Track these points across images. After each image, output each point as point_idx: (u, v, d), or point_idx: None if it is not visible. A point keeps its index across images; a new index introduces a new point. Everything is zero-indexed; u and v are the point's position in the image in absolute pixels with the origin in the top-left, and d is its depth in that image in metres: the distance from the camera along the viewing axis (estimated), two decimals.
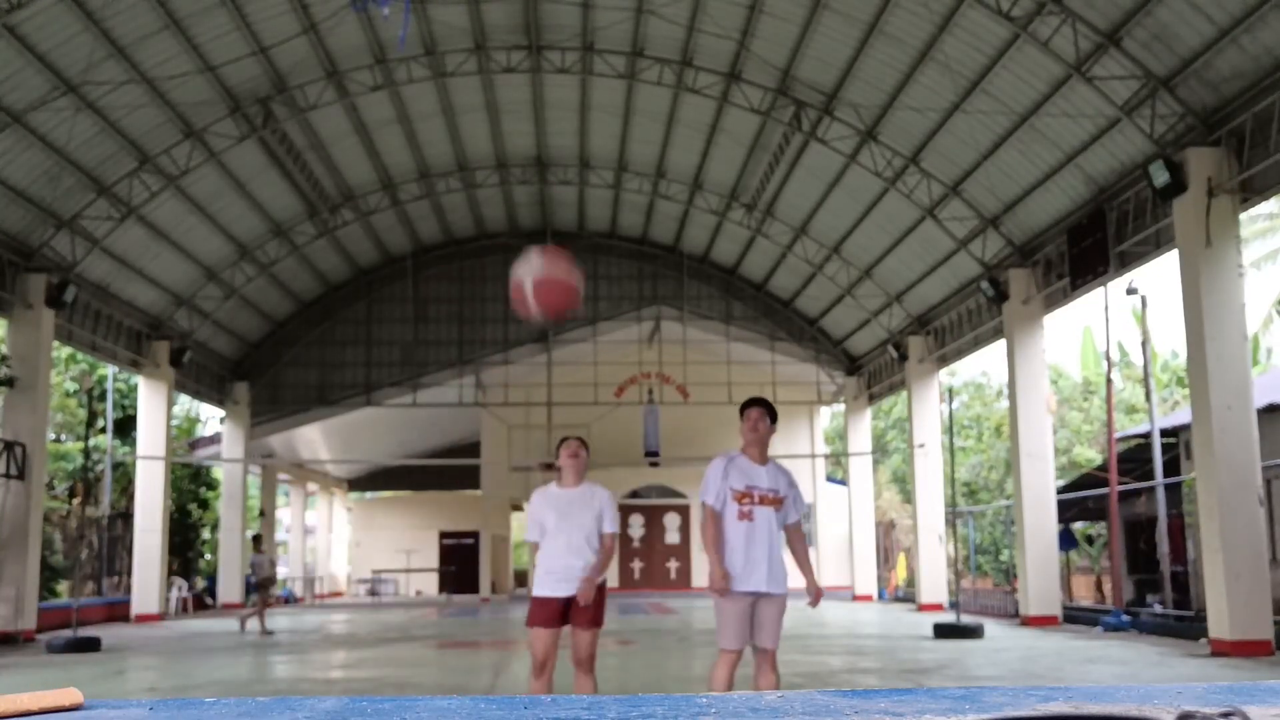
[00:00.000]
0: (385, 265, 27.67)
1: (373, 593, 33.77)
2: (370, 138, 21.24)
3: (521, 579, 36.30)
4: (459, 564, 35.74)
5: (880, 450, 34.03)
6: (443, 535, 38.25)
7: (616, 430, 28.04)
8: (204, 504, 29.61)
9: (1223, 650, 12.15)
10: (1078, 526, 23.12)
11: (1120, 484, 18.07)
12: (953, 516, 21.43)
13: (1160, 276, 56.63)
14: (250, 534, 22.36)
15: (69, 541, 23.89)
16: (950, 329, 21.92)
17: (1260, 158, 12.32)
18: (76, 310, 18.85)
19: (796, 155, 20.30)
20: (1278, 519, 14.19)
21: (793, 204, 22.63)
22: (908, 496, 29.49)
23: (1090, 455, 27.44)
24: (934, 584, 22.67)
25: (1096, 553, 24.88)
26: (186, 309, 23.04)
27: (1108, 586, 21.82)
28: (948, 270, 20.90)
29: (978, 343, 21.01)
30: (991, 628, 16.62)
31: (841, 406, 28.89)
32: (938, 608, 21.80)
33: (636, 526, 31.56)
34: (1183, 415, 17.71)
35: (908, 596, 25.55)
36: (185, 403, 31.37)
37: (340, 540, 41.72)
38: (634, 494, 31.45)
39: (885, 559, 28.94)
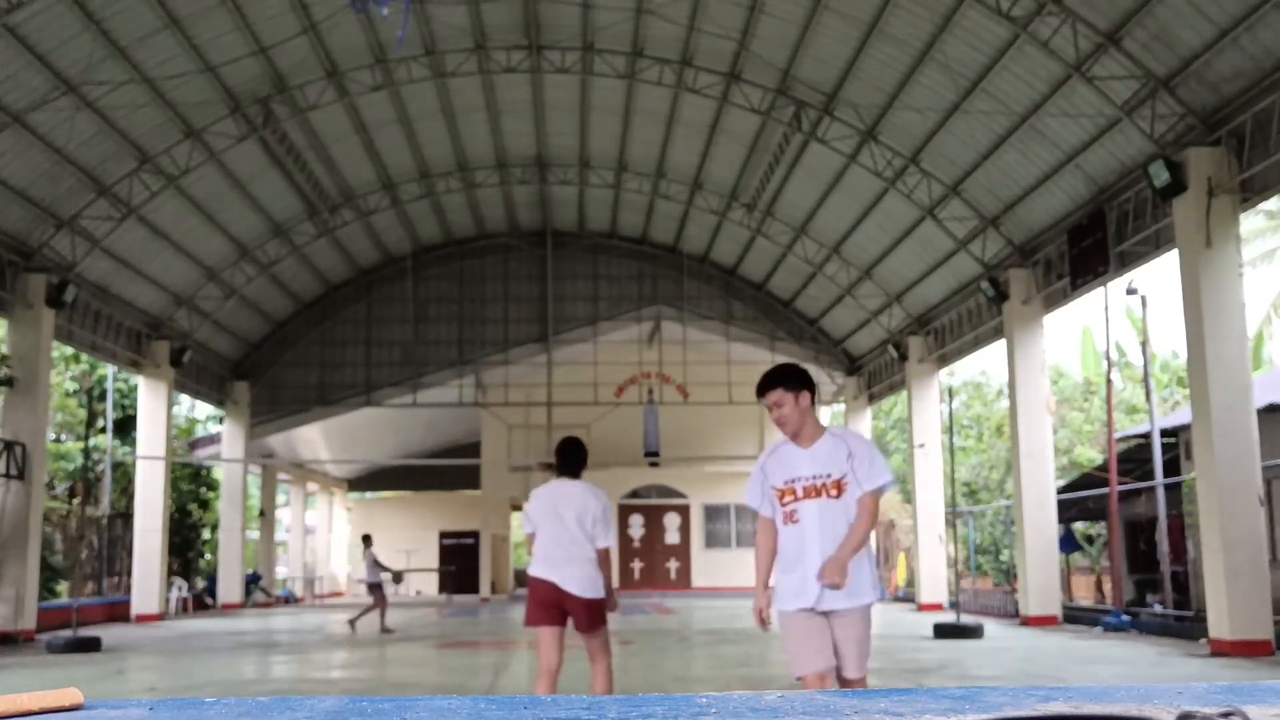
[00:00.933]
0: (385, 265, 27.67)
1: None
2: (370, 138, 21.24)
3: (521, 579, 36.26)
4: (459, 564, 35.74)
5: (880, 450, 34.03)
6: (443, 535, 38.26)
7: (616, 430, 28.04)
8: (204, 504, 29.62)
9: (1223, 650, 12.14)
10: (1078, 526, 23.11)
11: (1120, 484, 18.07)
12: (953, 516, 21.43)
13: (1160, 276, 56.62)
14: (361, 534, 22.23)
15: (69, 541, 23.90)
16: (950, 329, 21.92)
17: (1260, 158, 12.32)
18: (76, 310, 18.85)
19: (796, 155, 20.30)
20: (1278, 519, 14.19)
21: (793, 204, 22.63)
22: (908, 496, 29.50)
23: (1090, 455, 27.45)
24: (934, 584, 22.66)
25: (1096, 553, 24.88)
26: (186, 309, 23.04)
27: (1108, 586, 21.82)
28: (948, 270, 20.90)
29: (978, 343, 21.01)
30: (991, 628, 16.61)
31: (841, 406, 28.90)
32: (938, 608, 21.80)
33: (636, 526, 31.57)
34: (1183, 415, 17.71)
35: (908, 596, 25.54)
36: (183, 407, 31.39)
37: (340, 540, 41.73)
38: (634, 494, 31.45)
39: (885, 559, 28.92)
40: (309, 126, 19.92)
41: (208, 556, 29.93)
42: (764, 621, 4.82)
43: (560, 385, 27.59)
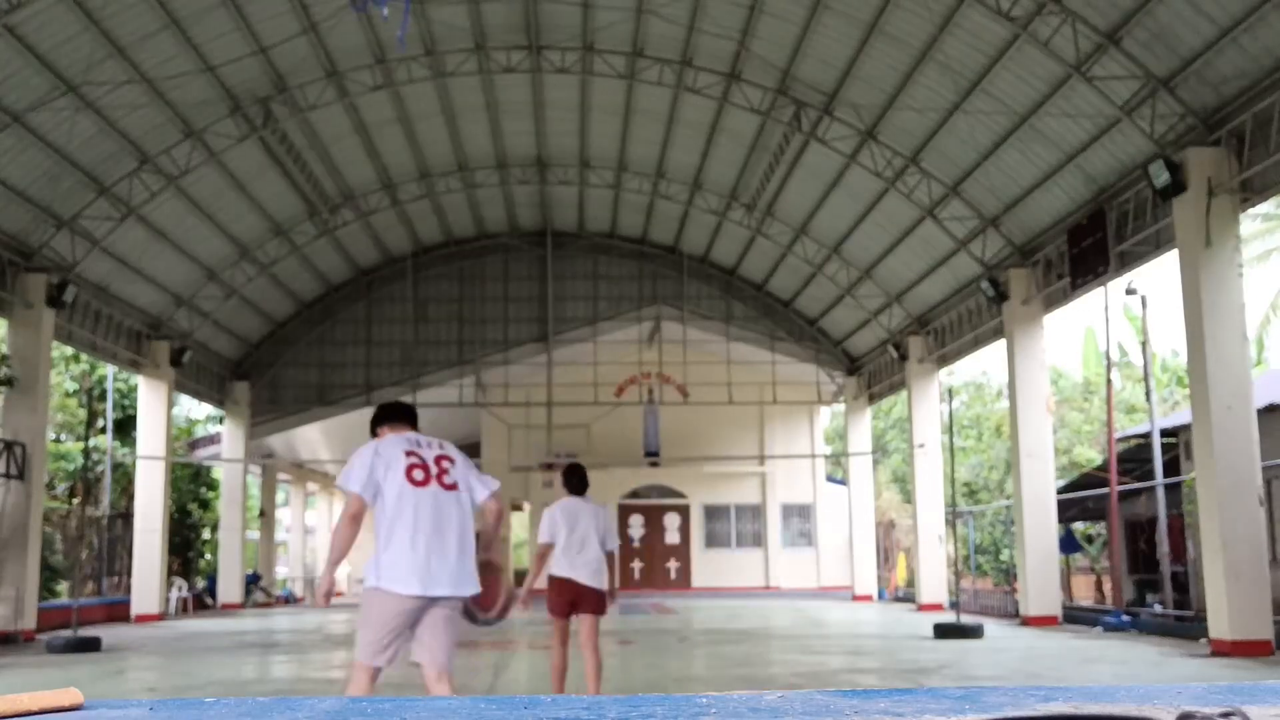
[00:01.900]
0: (385, 265, 27.67)
1: None
2: (370, 138, 21.24)
3: (521, 579, 36.29)
4: None
5: (880, 450, 34.04)
6: None
7: (616, 430, 28.04)
8: (204, 504, 29.61)
9: (1223, 650, 12.15)
10: (1078, 527, 23.11)
11: (1120, 484, 18.08)
12: (953, 516, 21.42)
13: (1160, 277, 56.60)
14: None
15: (69, 541, 23.89)
16: (950, 329, 21.92)
17: (1260, 158, 12.32)
18: (76, 310, 18.85)
19: (796, 155, 20.30)
20: (1278, 519, 14.19)
21: (793, 204, 22.63)
22: (908, 496, 29.49)
23: (1090, 455, 27.45)
24: (934, 584, 22.66)
25: (1096, 553, 24.88)
26: (186, 309, 23.04)
27: (1108, 586, 21.83)
28: (948, 270, 20.90)
29: (978, 343, 21.01)
30: (991, 628, 16.61)
31: (841, 406, 28.89)
32: (938, 608, 21.80)
33: (636, 526, 31.56)
34: (1183, 415, 17.71)
35: (908, 596, 25.55)
36: (183, 407, 31.39)
37: None
38: (634, 494, 31.44)
39: (885, 559, 28.93)
40: (309, 126, 19.92)
41: (208, 556, 29.92)
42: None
43: (560, 385, 27.59)
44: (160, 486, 22.27)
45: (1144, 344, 18.95)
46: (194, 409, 33.87)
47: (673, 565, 31.40)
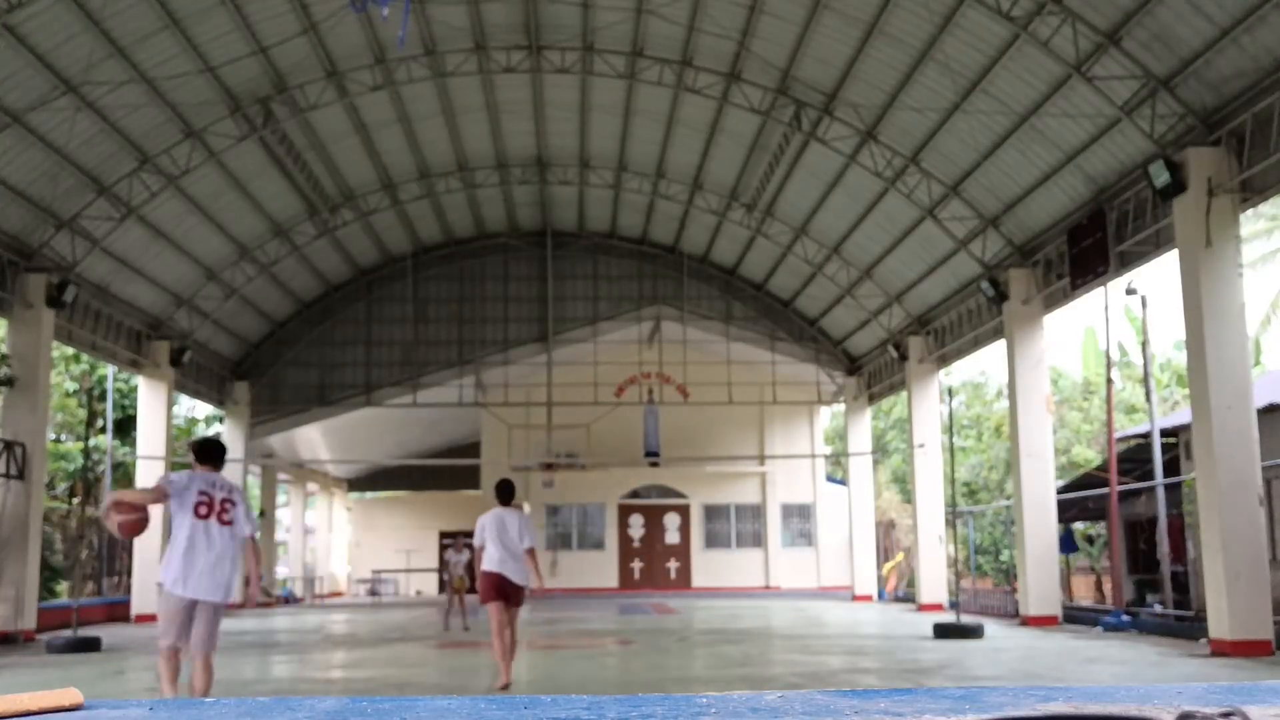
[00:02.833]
0: (385, 265, 27.68)
1: (373, 593, 33.77)
2: (370, 138, 21.25)
3: None
4: None
5: (880, 450, 34.04)
6: (443, 535, 38.23)
7: (616, 430, 28.05)
8: None
9: (1223, 650, 12.15)
10: (1078, 527, 23.11)
11: (1120, 484, 18.08)
12: (953, 516, 21.42)
13: (1161, 277, 56.60)
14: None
15: (69, 541, 23.90)
16: (950, 329, 21.92)
17: (1260, 158, 12.32)
18: (76, 310, 18.85)
19: (796, 155, 20.30)
20: (1278, 519, 14.20)
21: (793, 204, 22.63)
22: (908, 496, 29.49)
23: (1090, 455, 27.44)
24: (934, 584, 22.66)
25: (1096, 553, 24.88)
26: (186, 309, 23.04)
27: (1108, 586, 21.83)
28: (948, 270, 20.90)
29: (978, 343, 21.01)
30: (991, 628, 16.62)
31: (841, 406, 28.89)
32: (938, 608, 21.80)
33: (636, 526, 31.56)
34: (1183, 415, 17.71)
35: (908, 597, 25.55)
36: (183, 407, 31.38)
37: (340, 540, 41.73)
38: (634, 494, 31.45)
39: (885, 559, 28.94)
40: (309, 126, 19.93)
41: None
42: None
43: (560, 385, 27.59)
44: None
45: (1144, 344, 18.94)
46: (194, 409, 33.85)
47: (673, 565, 31.41)
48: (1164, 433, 17.50)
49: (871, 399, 27.52)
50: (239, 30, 16.20)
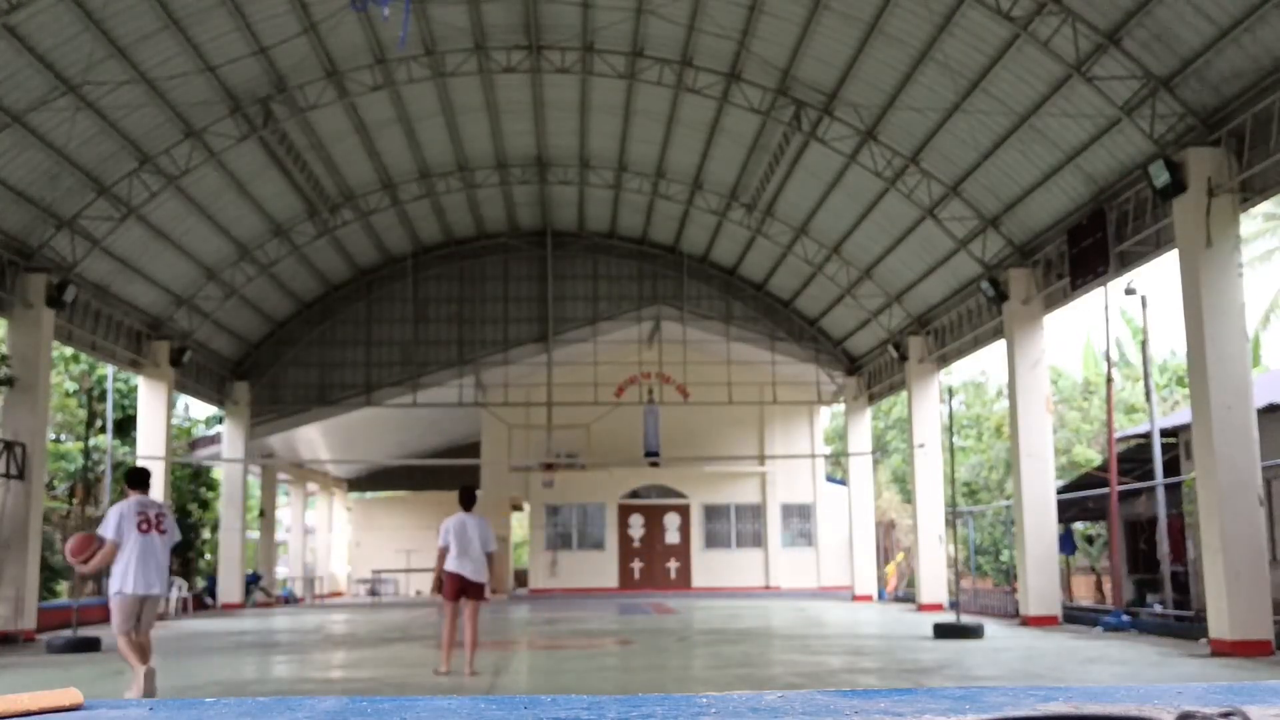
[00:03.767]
0: (385, 265, 27.68)
1: (373, 593, 33.77)
2: (370, 138, 21.25)
3: (522, 579, 36.29)
4: None
5: (880, 450, 34.04)
6: None
7: (616, 430, 28.05)
8: (204, 504, 29.61)
9: (1223, 650, 12.15)
10: (1078, 527, 23.12)
11: (1120, 484, 18.07)
12: (953, 516, 21.42)
13: (1161, 277, 56.61)
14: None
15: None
16: (950, 329, 21.92)
17: (1260, 158, 12.32)
18: (76, 310, 18.85)
19: (796, 155, 20.30)
20: (1278, 519, 14.20)
21: (793, 204, 22.63)
22: (908, 496, 29.49)
23: (1090, 455, 27.44)
24: (934, 584, 22.66)
25: (1096, 553, 24.88)
26: (186, 309, 23.04)
27: (1108, 586, 21.83)
28: (948, 270, 20.90)
29: (978, 343, 21.01)
30: (991, 628, 16.62)
31: (841, 406, 28.89)
32: (938, 608, 21.80)
33: (636, 526, 31.56)
34: (1183, 415, 17.71)
35: (908, 597, 25.55)
36: (183, 407, 31.39)
37: (340, 540, 41.73)
38: (634, 494, 31.45)
39: (885, 559, 28.95)
40: (309, 126, 19.93)
41: (208, 556, 29.92)
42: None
43: (560, 385, 27.59)
44: (160, 486, 22.24)
45: (1143, 344, 18.94)
46: (194, 409, 33.87)
47: (673, 565, 31.41)
48: (1164, 433, 17.50)
49: (871, 399, 27.52)
50: (239, 30, 16.20)
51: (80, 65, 15.10)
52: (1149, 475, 17.57)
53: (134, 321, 21.52)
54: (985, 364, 47.53)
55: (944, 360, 22.85)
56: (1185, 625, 14.99)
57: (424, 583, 37.04)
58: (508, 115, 21.53)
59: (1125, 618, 16.38)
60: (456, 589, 10.49)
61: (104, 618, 21.10)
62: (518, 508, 35.88)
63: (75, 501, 24.55)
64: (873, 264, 22.98)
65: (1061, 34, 13.60)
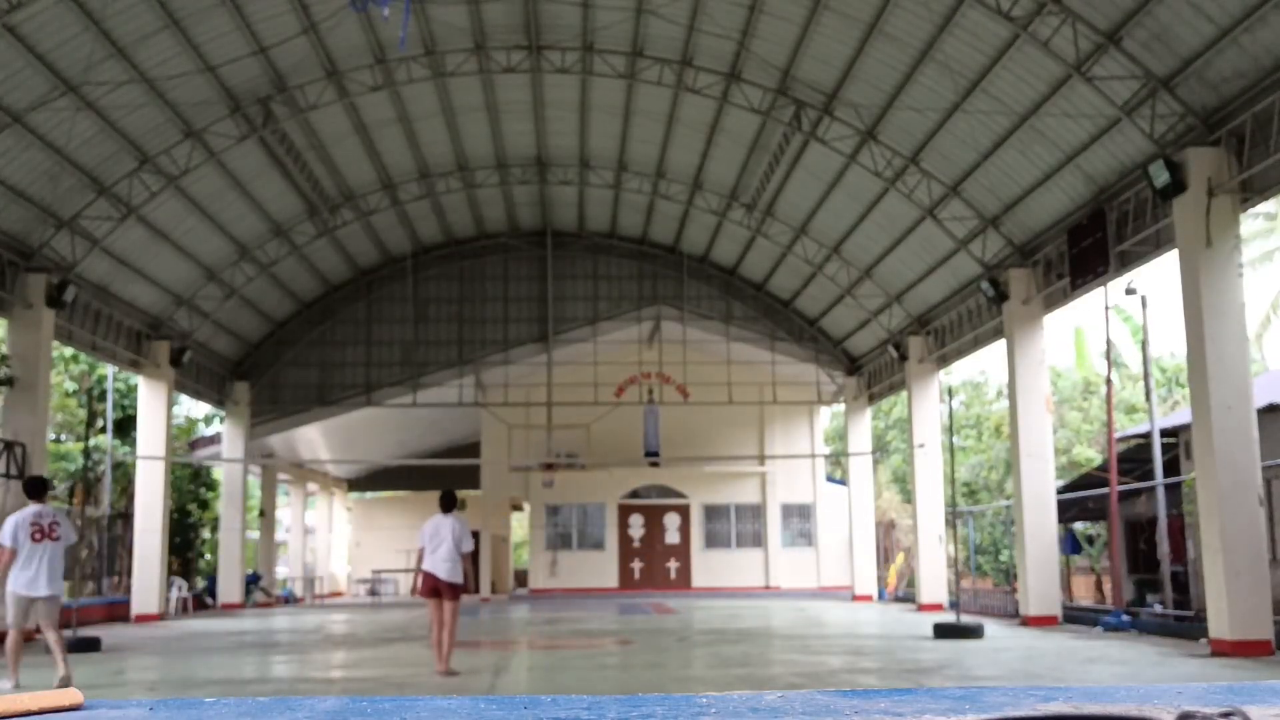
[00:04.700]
0: (385, 265, 27.68)
1: (373, 593, 33.77)
2: (370, 138, 21.25)
3: (522, 579, 36.29)
4: None
5: (880, 450, 34.04)
6: None
7: (616, 430, 28.05)
8: (204, 504, 29.60)
9: (1223, 650, 12.15)
10: (1078, 527, 23.10)
11: (1120, 484, 18.07)
12: (953, 516, 21.42)
13: (1161, 277, 56.61)
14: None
15: None
16: (950, 329, 21.92)
17: (1260, 158, 12.32)
18: (76, 310, 18.85)
19: (796, 155, 20.31)
20: (1278, 519, 14.20)
21: (793, 204, 22.64)
22: (908, 496, 29.49)
23: (1090, 455, 27.44)
24: (934, 584, 22.66)
25: (1096, 553, 24.88)
26: (186, 309, 23.04)
27: (1108, 586, 21.82)
28: (948, 270, 20.90)
29: (978, 343, 21.01)
30: (991, 628, 16.62)
31: (841, 406, 28.89)
32: (938, 608, 21.80)
33: (636, 526, 31.56)
34: (1183, 415, 17.71)
35: (908, 597, 25.55)
36: (183, 407, 31.38)
37: (340, 540, 41.72)
38: (634, 494, 31.44)
39: (885, 559, 28.94)
40: (309, 126, 19.93)
41: (208, 556, 29.92)
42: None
43: (560, 385, 27.59)
44: (160, 486, 22.27)
45: (1143, 344, 18.94)
46: (194, 409, 33.85)
47: (673, 565, 31.40)
48: (1164, 433, 17.49)
49: (871, 399, 27.52)
50: (239, 30, 16.20)
51: (80, 65, 15.10)
52: (1149, 475, 17.57)
53: (134, 321, 21.52)
54: (985, 364, 47.55)
55: (944, 360, 22.85)
56: (1185, 625, 14.99)
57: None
58: (508, 115, 21.53)
59: (1125, 618, 16.38)
60: (430, 587, 10.93)
61: (105, 618, 21.21)
62: (518, 508, 35.88)
63: (75, 501, 24.54)
64: (873, 264, 22.98)
65: (1061, 34, 13.60)
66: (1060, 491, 19.41)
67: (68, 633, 15.66)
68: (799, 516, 31.67)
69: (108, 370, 24.69)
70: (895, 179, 18.83)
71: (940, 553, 22.77)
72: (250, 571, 29.48)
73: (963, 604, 19.52)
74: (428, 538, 11.00)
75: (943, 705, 1.07)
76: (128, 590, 22.80)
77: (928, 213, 19.14)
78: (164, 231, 20.28)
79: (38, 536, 9.83)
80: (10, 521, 9.86)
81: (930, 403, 23.23)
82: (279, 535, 37.04)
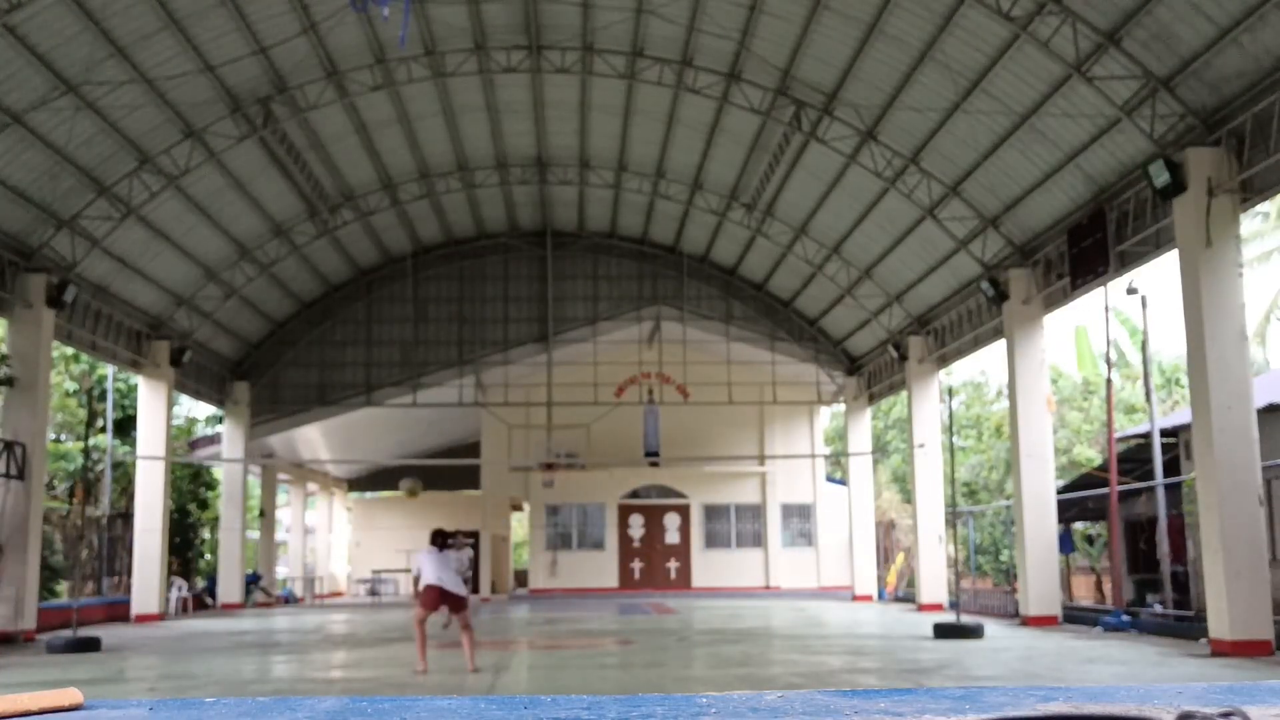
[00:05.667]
0: (385, 265, 27.68)
1: (373, 593, 33.77)
2: (370, 138, 21.24)
3: (522, 579, 36.28)
4: None
5: (880, 450, 34.03)
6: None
7: (616, 430, 28.04)
8: (204, 504, 29.60)
9: (1223, 650, 12.15)
10: (1078, 527, 23.10)
11: (1120, 484, 18.07)
12: (953, 516, 21.42)
13: (1160, 277, 56.58)
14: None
15: (69, 541, 23.90)
16: (950, 329, 21.92)
17: (1260, 158, 12.32)
18: (76, 310, 18.85)
19: (796, 155, 20.30)
20: (1278, 519, 14.19)
21: (793, 204, 22.63)
22: (908, 496, 29.48)
23: (1090, 455, 27.43)
24: (934, 584, 22.66)
25: (1096, 553, 24.87)
26: (186, 309, 23.04)
27: (1108, 586, 21.82)
28: (948, 270, 20.90)
29: (978, 343, 21.01)
30: (991, 628, 16.62)
31: (841, 406, 28.89)
32: (938, 608, 21.80)
33: (636, 527, 31.56)
34: (1183, 415, 17.71)
35: (908, 597, 25.55)
36: (183, 407, 31.38)
37: (340, 540, 41.72)
38: (634, 494, 31.44)
39: (885, 559, 28.93)
40: (309, 126, 19.93)
41: (208, 556, 29.91)
42: None
43: (560, 385, 27.59)
44: (160, 486, 22.26)
45: (1144, 344, 18.94)
46: (194, 409, 33.86)
47: (673, 565, 31.40)
48: (1164, 433, 17.49)
49: (871, 399, 27.52)
50: (239, 30, 16.20)
51: (80, 65, 15.10)
52: (1149, 475, 17.56)
53: (134, 321, 21.52)
54: (985, 364, 47.51)
55: (944, 360, 22.85)
56: (1185, 625, 14.98)
57: None
58: (508, 115, 21.53)
59: (1125, 618, 16.38)
60: (435, 599, 11.43)
61: (105, 618, 21.21)
62: (518, 508, 35.87)
63: (75, 501, 24.54)
64: (873, 264, 22.98)
65: (1061, 34, 13.60)
66: (1060, 491, 19.41)
67: (69, 632, 15.73)
68: (799, 516, 31.67)
69: (108, 370, 24.69)
70: (895, 179, 18.83)
71: (940, 553, 22.77)
72: (250, 571, 29.47)
73: (963, 604, 19.52)
74: (424, 564, 11.60)
75: (943, 705, 1.07)
76: (128, 590, 22.81)
77: (928, 213, 19.14)
78: (164, 231, 20.28)
79: None
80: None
81: (930, 403, 23.23)
82: (279, 535, 37.02)
